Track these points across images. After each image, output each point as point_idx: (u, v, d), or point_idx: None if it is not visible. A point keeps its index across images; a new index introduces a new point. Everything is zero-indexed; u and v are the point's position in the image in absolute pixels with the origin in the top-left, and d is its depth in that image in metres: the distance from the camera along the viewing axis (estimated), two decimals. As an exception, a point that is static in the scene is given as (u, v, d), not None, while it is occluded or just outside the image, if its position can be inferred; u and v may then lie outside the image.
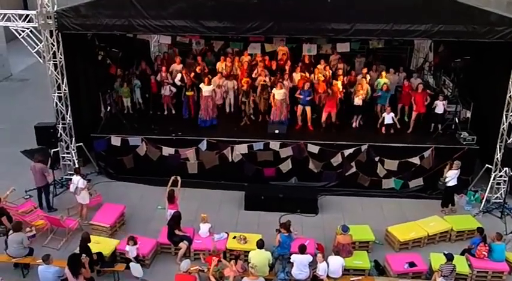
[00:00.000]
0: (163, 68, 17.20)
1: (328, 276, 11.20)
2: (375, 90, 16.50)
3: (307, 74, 16.79)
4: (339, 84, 16.12)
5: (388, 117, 15.64)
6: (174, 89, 16.84)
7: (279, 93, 15.53)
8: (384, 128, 15.72)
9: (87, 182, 14.01)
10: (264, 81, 16.28)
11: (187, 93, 16.48)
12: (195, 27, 13.82)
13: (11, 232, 11.62)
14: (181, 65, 17.40)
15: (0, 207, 12.23)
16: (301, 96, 15.72)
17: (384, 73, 16.76)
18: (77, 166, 14.63)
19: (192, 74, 16.80)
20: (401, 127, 15.89)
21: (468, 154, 14.72)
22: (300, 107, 15.88)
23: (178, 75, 16.80)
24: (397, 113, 16.38)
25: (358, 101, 15.87)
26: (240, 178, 15.12)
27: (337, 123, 15.96)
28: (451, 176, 13.90)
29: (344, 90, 16.25)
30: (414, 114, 15.83)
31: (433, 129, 15.75)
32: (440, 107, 15.57)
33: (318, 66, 17.19)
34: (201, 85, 15.88)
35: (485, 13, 13.23)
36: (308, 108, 15.83)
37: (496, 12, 13.33)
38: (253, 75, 16.67)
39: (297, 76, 16.68)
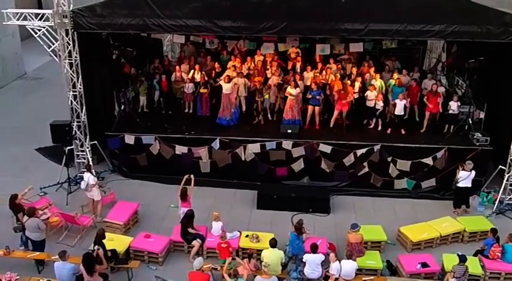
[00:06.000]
0: (178, 68, 17.23)
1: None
2: (387, 90, 16.43)
3: (319, 74, 16.71)
4: (356, 86, 16.08)
5: (401, 104, 15.46)
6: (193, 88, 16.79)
7: (293, 92, 15.58)
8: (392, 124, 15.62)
9: (101, 179, 14.11)
10: (282, 80, 16.38)
11: (201, 90, 16.53)
12: (209, 26, 13.89)
13: (25, 218, 11.82)
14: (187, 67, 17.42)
15: (17, 204, 12.40)
16: (311, 96, 15.73)
17: (395, 75, 16.64)
18: (90, 163, 14.76)
19: (214, 74, 16.94)
20: (413, 127, 15.88)
21: (481, 155, 14.64)
22: (310, 107, 15.90)
23: (191, 72, 16.83)
24: (405, 113, 16.03)
25: (378, 106, 15.74)
26: (253, 177, 15.18)
27: (347, 123, 15.97)
28: (463, 177, 13.86)
29: (358, 93, 16.16)
30: (427, 114, 15.80)
31: (446, 130, 15.70)
32: (454, 107, 15.52)
33: (328, 65, 17.18)
34: (221, 82, 15.94)
35: (500, 14, 13.17)
36: (317, 109, 15.86)
37: (510, 12, 13.25)
38: (267, 75, 16.64)
39: (308, 76, 16.69)
